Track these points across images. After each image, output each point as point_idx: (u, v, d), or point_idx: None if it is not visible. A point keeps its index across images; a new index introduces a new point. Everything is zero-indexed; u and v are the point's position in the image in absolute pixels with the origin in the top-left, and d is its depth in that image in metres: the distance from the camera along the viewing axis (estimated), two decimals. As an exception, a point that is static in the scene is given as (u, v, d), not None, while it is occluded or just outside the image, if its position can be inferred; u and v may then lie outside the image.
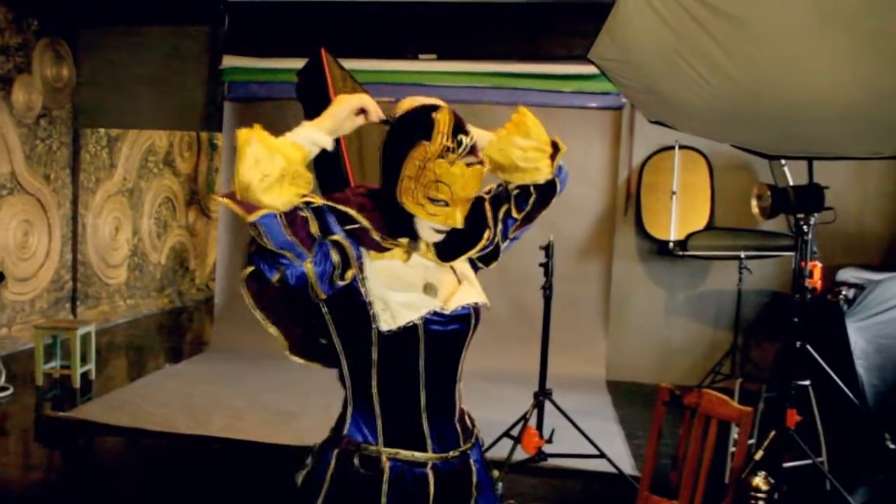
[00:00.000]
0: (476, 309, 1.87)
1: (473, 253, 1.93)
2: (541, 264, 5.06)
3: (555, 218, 7.63)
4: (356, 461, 1.78)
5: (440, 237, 1.81)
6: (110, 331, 9.32)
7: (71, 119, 8.91)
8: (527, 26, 7.76)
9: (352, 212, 1.76)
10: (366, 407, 1.81)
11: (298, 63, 4.92)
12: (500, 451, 4.90)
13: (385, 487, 1.77)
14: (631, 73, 4.00)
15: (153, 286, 10.98)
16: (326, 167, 4.40)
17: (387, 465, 1.78)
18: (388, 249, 1.80)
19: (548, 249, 5.04)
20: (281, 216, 1.61)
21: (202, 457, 5.38)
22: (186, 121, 9.01)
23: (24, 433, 5.93)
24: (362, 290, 1.77)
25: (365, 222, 1.76)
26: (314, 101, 4.57)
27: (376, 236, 1.77)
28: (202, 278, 12.37)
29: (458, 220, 1.78)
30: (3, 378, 6.60)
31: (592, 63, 3.99)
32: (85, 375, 6.93)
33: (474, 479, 1.90)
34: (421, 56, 7.88)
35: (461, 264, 1.94)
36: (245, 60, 8.18)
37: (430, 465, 1.81)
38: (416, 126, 1.77)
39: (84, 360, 6.93)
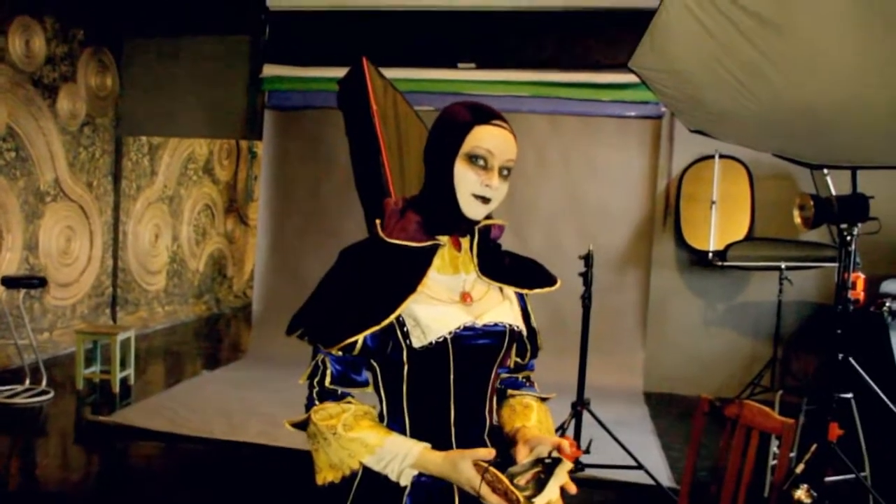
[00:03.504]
0: (511, 330, 1.85)
1: (517, 289, 1.92)
2: (580, 274, 5.04)
3: (593, 228, 7.71)
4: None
5: (483, 209, 1.77)
6: (149, 336, 9.43)
7: (113, 127, 9.04)
8: (565, 35, 7.75)
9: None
10: (398, 419, 1.80)
11: (338, 72, 4.97)
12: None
13: (406, 499, 1.75)
14: (672, 82, 3.98)
15: (191, 293, 11.09)
16: (367, 175, 4.44)
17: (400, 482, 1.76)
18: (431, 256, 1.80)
19: (587, 259, 5.02)
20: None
21: (238, 462, 5.41)
22: (227, 129, 9.11)
23: (64, 436, 6.00)
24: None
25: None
26: (355, 110, 4.61)
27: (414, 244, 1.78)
28: (240, 285, 12.47)
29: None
30: (45, 382, 6.70)
31: (633, 72, 3.97)
32: (124, 380, 7.01)
33: None
34: (460, 65, 7.89)
35: (510, 289, 1.91)
36: (285, 69, 8.25)
37: None
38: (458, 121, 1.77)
39: (124, 366, 7.00)
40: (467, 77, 7.85)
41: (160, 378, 7.87)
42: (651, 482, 4.95)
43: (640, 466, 4.96)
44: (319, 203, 8.36)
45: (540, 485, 1.65)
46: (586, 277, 5.04)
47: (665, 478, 5.21)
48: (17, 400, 6.40)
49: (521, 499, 1.61)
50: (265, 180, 8.70)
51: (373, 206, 4.49)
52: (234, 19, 8.42)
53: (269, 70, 8.30)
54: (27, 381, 6.73)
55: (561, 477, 1.66)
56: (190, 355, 9.06)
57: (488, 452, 1.67)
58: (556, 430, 4.92)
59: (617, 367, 7.52)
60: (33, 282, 6.95)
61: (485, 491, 1.63)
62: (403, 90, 5.20)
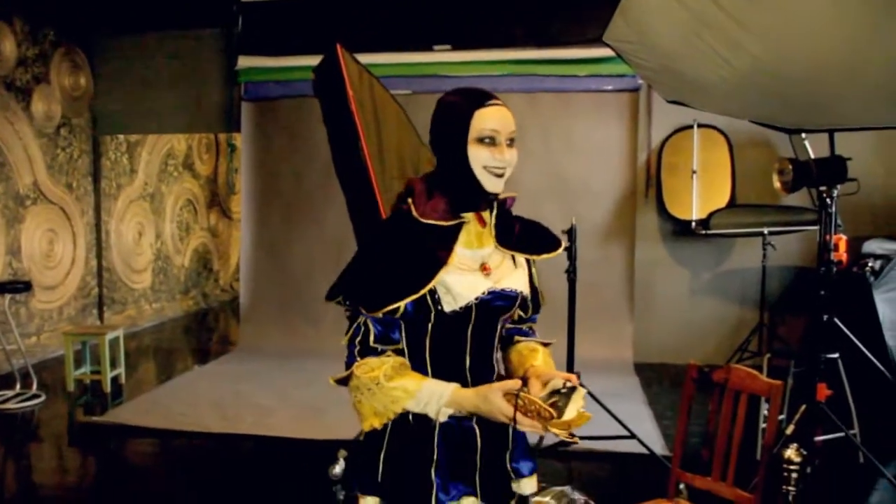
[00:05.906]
0: (523, 296, 2.10)
1: (527, 255, 2.15)
2: (564, 248, 5.04)
3: (576, 202, 7.73)
4: (410, 418, 1.98)
5: (500, 181, 1.96)
6: (137, 335, 9.41)
7: (90, 127, 8.99)
8: (539, 12, 7.75)
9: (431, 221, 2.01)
10: (420, 369, 2.01)
11: (313, 60, 4.94)
12: (531, 434, 4.91)
13: (437, 439, 1.98)
14: (647, 54, 3.99)
15: (178, 289, 11.07)
16: (347, 161, 4.44)
17: (438, 420, 1.97)
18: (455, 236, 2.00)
19: (571, 233, 5.03)
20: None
21: (234, 454, 5.43)
22: (205, 123, 9.09)
23: (58, 439, 6.00)
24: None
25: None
26: (331, 97, 4.60)
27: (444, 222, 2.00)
28: (226, 279, 12.45)
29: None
30: (35, 385, 6.69)
31: (608, 46, 3.98)
32: (115, 380, 7.01)
33: (511, 431, 2.11)
34: (435, 47, 7.88)
35: (521, 258, 2.13)
36: (260, 60, 8.22)
37: (475, 419, 2.00)
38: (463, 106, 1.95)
39: (114, 365, 7.00)
40: (443, 59, 7.84)
41: (151, 375, 7.86)
42: (645, 451, 5.00)
43: (633, 436, 5.01)
44: (302, 192, 8.36)
45: (559, 411, 1.79)
46: (570, 252, 5.05)
47: (659, 446, 5.26)
48: (9, 405, 6.40)
49: (554, 414, 1.76)
50: (246, 172, 8.68)
51: (353, 192, 4.49)
52: (206, 12, 8.38)
53: (244, 62, 8.28)
54: (17, 386, 6.72)
55: (578, 402, 1.82)
56: (180, 351, 9.05)
57: (515, 383, 1.87)
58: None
59: (606, 339, 7.56)
60: (18, 286, 6.93)
61: (518, 416, 1.82)
62: (380, 75, 5.18)
